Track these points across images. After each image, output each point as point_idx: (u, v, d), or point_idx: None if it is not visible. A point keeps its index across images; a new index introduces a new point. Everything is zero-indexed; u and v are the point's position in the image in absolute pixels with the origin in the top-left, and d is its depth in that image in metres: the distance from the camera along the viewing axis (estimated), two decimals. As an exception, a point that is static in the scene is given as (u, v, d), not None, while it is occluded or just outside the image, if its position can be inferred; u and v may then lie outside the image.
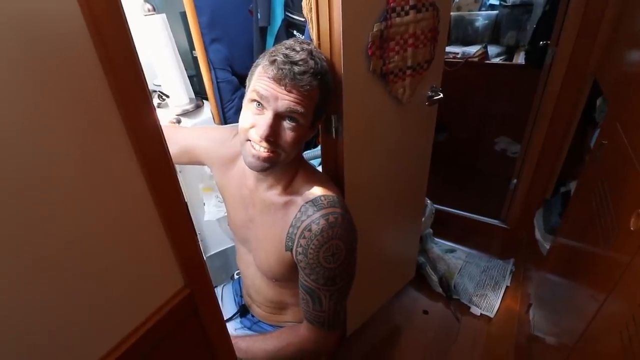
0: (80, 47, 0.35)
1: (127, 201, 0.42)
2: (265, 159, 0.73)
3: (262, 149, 0.73)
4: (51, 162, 0.35)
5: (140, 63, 0.40)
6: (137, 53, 0.39)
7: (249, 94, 0.74)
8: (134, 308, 0.46)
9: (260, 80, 0.71)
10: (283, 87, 0.69)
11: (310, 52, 0.73)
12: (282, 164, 0.77)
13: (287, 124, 0.72)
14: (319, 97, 0.75)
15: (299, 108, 0.71)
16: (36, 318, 0.36)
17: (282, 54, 0.70)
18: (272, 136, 0.71)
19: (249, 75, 0.77)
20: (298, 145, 0.77)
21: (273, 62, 0.70)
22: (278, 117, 0.72)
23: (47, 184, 0.35)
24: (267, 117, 0.71)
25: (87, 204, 0.38)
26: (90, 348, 0.42)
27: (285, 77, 0.69)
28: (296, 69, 0.69)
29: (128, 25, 0.38)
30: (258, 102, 0.72)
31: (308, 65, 0.71)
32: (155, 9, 1.15)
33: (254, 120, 0.73)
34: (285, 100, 0.70)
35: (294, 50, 0.71)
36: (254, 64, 0.76)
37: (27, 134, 0.32)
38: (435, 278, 1.67)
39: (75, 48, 0.34)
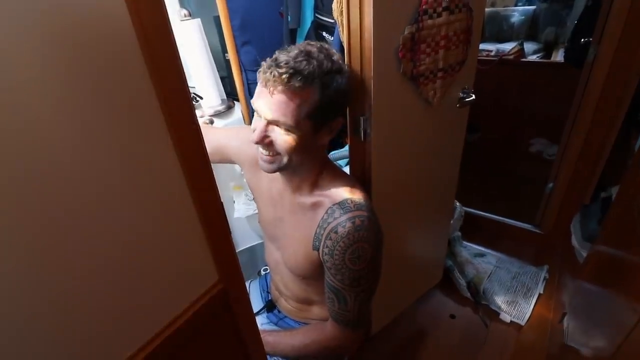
0: (128, 51, 0.37)
1: (168, 198, 0.45)
2: (268, 162, 0.77)
3: (263, 152, 0.76)
4: (98, 162, 0.37)
5: (182, 66, 0.42)
6: (179, 57, 0.41)
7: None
8: (172, 300, 0.49)
9: (257, 90, 0.73)
10: (268, 91, 0.69)
11: (308, 53, 0.70)
12: (292, 167, 0.78)
13: (279, 130, 0.73)
14: (319, 100, 0.71)
15: (281, 118, 0.70)
16: (82, 308, 0.39)
17: (273, 57, 0.71)
18: (263, 141, 0.74)
19: None
20: (300, 150, 0.74)
21: (262, 65, 0.71)
22: (271, 123, 0.73)
23: (92, 181, 0.37)
24: (260, 123, 0.74)
25: (130, 200, 0.41)
26: (131, 337, 0.45)
27: (269, 81, 0.69)
28: (278, 71, 0.67)
29: (172, 31, 0.40)
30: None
31: (293, 65, 0.67)
32: (191, 14, 1.20)
33: (254, 126, 0.76)
34: (270, 109, 0.70)
35: (286, 51, 0.71)
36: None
37: (74, 135, 0.35)
38: (463, 282, 1.63)
39: (123, 51, 0.37)
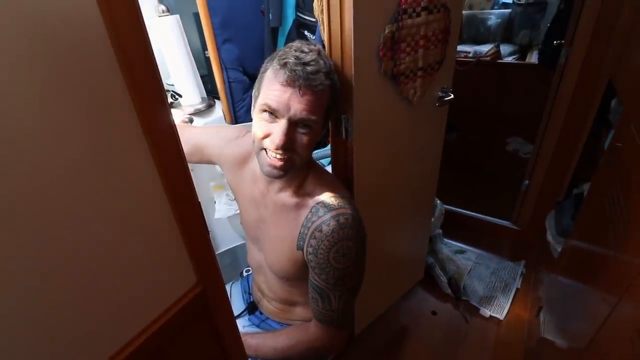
0: (100, 49, 0.36)
1: (143, 199, 0.44)
2: (281, 167, 0.74)
3: (277, 156, 0.73)
4: (69, 164, 0.36)
5: (156, 64, 0.41)
6: (153, 55, 0.40)
7: (260, 105, 0.73)
8: (149, 304, 0.47)
9: (271, 90, 0.71)
10: (297, 89, 0.69)
11: (318, 52, 0.74)
12: (297, 167, 0.77)
13: (300, 129, 0.73)
14: (329, 98, 0.75)
15: (312, 117, 0.71)
16: (56, 313, 0.38)
17: (293, 56, 0.70)
18: (288, 143, 0.72)
19: (257, 81, 0.77)
20: (312, 147, 0.77)
21: (284, 65, 0.69)
22: (292, 124, 0.72)
23: (65, 183, 0.36)
24: (281, 125, 0.71)
25: (103, 202, 0.39)
26: (106, 341, 0.43)
27: (299, 79, 0.68)
28: (309, 68, 0.69)
29: (145, 28, 0.39)
30: (270, 112, 0.72)
31: (319, 64, 0.71)
32: (170, 10, 1.17)
33: (267, 129, 0.73)
34: (297, 108, 0.70)
35: (303, 52, 0.72)
36: (262, 70, 0.76)
37: (46, 134, 0.33)
38: (444, 279, 1.66)
39: (94, 50, 0.35)
